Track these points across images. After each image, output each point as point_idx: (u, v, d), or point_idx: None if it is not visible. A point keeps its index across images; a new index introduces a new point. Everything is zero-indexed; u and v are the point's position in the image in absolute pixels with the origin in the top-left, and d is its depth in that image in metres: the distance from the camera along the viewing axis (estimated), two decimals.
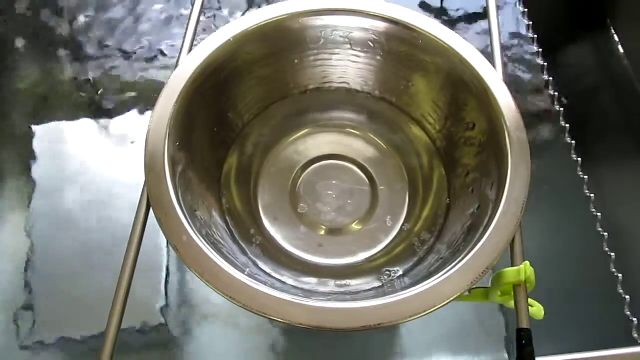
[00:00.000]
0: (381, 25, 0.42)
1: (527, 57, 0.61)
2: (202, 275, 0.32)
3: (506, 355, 0.46)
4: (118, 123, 0.57)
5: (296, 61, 0.45)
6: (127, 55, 0.61)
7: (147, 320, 0.47)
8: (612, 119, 0.58)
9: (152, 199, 0.34)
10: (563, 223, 0.52)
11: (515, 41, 0.62)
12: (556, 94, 0.58)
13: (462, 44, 0.40)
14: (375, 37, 0.43)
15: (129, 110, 0.58)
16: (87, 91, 0.59)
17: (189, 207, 0.36)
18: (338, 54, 0.45)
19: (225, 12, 0.64)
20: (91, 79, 0.59)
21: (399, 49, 0.43)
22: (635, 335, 0.46)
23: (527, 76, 0.60)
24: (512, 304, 0.33)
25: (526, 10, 0.63)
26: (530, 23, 0.62)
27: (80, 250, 0.50)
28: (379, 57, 0.44)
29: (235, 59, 0.41)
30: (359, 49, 0.44)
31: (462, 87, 0.41)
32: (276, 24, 0.41)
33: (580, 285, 0.48)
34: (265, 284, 0.33)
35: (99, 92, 0.58)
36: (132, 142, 0.56)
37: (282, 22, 0.42)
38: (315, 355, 0.47)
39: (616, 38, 0.63)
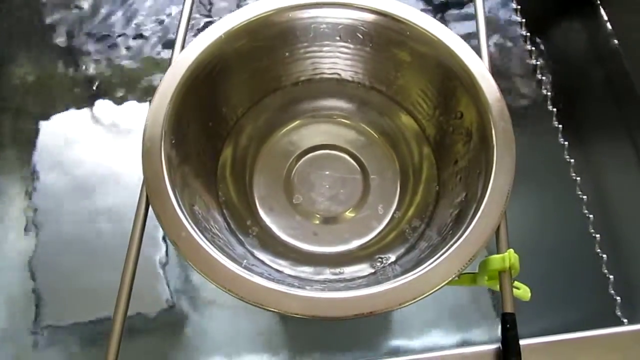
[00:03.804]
0: (369, 17, 0.43)
1: (515, 41, 0.62)
2: (201, 269, 0.33)
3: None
4: (117, 115, 0.57)
5: (287, 54, 0.45)
6: (123, 46, 0.61)
7: (151, 305, 0.49)
8: (600, 101, 0.59)
9: (150, 197, 0.35)
10: (549, 205, 0.53)
11: (503, 25, 0.63)
12: (544, 78, 0.59)
13: (448, 35, 0.41)
14: (363, 28, 0.44)
15: (127, 102, 0.58)
16: (84, 83, 0.59)
17: (186, 202, 0.37)
18: (328, 45, 0.45)
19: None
20: (89, 71, 0.60)
21: (388, 40, 0.43)
22: (619, 313, 0.47)
23: (514, 62, 0.61)
24: (498, 287, 0.34)
25: None
26: (518, 7, 0.63)
27: (84, 241, 0.51)
28: (368, 48, 0.45)
29: (227, 55, 0.42)
30: (348, 40, 0.45)
31: (450, 77, 0.41)
32: (265, 18, 0.42)
33: (566, 266, 0.50)
34: (261, 274, 0.34)
35: (96, 85, 0.59)
36: (130, 133, 0.57)
37: (271, 17, 0.42)
38: (313, 333, 0.48)
39: (605, 17, 0.63)
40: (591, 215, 0.51)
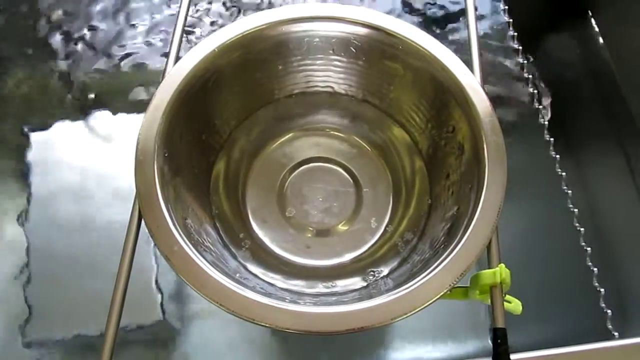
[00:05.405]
0: (362, 31, 0.43)
1: (507, 54, 0.62)
2: (193, 283, 0.33)
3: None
4: (111, 126, 0.58)
5: (280, 67, 0.45)
6: (116, 57, 0.61)
7: (144, 317, 0.49)
8: (591, 114, 0.59)
9: (143, 211, 0.35)
10: (541, 218, 0.54)
11: (495, 39, 0.63)
12: (535, 91, 0.59)
13: (440, 49, 0.41)
14: (356, 42, 0.44)
15: (121, 113, 0.58)
16: (76, 94, 0.59)
17: (179, 216, 0.37)
18: (321, 59, 0.45)
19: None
20: (80, 81, 0.60)
21: (380, 54, 0.44)
22: (610, 327, 0.47)
23: (506, 76, 0.61)
24: (490, 302, 0.34)
25: (506, 7, 0.64)
26: (510, 20, 0.63)
27: (77, 253, 0.51)
28: (360, 62, 0.45)
29: (220, 68, 0.42)
30: (342, 54, 0.45)
31: (442, 91, 0.42)
32: (259, 32, 0.42)
33: (557, 279, 0.50)
34: (253, 288, 0.34)
35: (89, 96, 0.59)
36: (124, 145, 0.57)
37: (265, 30, 0.42)
38: (308, 343, 0.48)
39: (596, 29, 0.63)
40: (582, 229, 0.52)
